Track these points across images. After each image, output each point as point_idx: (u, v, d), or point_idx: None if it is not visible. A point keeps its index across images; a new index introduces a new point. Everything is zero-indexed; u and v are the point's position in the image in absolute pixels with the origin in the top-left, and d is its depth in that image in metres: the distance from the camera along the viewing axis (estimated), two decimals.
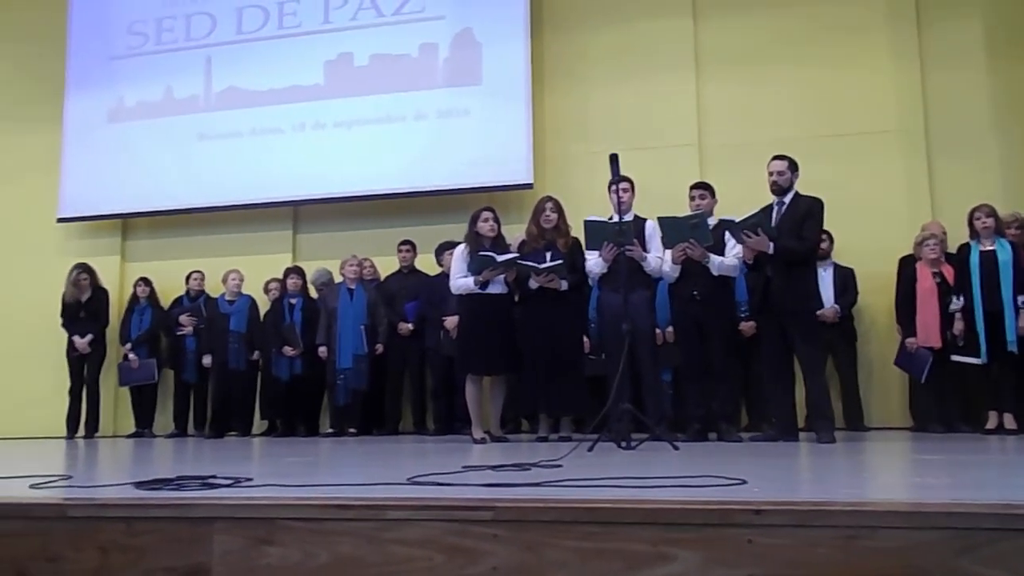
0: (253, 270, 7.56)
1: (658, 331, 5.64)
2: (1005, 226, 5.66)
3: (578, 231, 5.34)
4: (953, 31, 6.91)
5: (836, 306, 6.17)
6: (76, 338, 7.52)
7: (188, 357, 7.42)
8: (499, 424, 5.52)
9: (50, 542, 2.10)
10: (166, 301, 7.81)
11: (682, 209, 5.34)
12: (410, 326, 6.86)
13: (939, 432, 5.67)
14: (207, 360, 7.33)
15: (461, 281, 5.39)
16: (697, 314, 5.11)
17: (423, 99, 7.73)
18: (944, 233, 6.06)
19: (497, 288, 5.35)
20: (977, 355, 5.41)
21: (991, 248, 5.49)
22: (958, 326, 5.53)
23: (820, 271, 5.92)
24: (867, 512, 1.83)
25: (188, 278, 7.67)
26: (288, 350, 6.99)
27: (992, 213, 5.56)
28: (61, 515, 2.14)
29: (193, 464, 4.04)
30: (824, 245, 6.03)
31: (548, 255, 5.34)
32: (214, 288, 7.63)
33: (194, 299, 7.60)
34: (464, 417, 5.85)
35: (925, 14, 6.98)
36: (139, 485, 2.47)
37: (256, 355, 7.29)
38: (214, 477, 2.59)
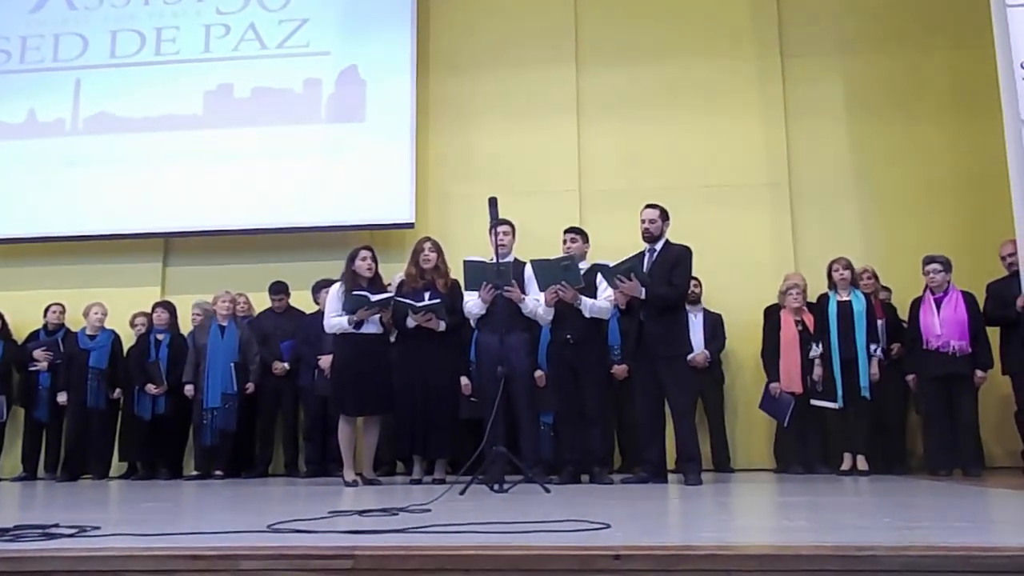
0: (119, 303, 7.17)
1: (539, 374, 5.66)
2: (859, 278, 6.01)
3: (458, 272, 5.34)
4: (815, 91, 7.34)
5: (706, 351, 6.36)
6: None
7: (41, 394, 6.95)
8: (372, 466, 5.41)
9: None
10: (21, 334, 7.30)
11: (561, 253, 5.42)
12: (286, 365, 6.68)
13: (799, 473, 5.92)
14: (62, 398, 6.88)
15: (335, 320, 5.28)
16: (571, 357, 5.16)
17: (305, 134, 7.60)
18: (805, 283, 6.37)
19: (372, 328, 5.26)
20: (834, 399, 5.70)
21: (847, 298, 5.81)
22: (817, 372, 5.80)
23: (691, 316, 6.12)
24: (727, 556, 1.88)
25: (47, 311, 7.21)
26: (151, 388, 6.66)
27: (848, 266, 5.90)
28: None
29: (39, 511, 3.79)
30: (695, 291, 6.24)
31: (427, 295, 5.32)
32: (75, 322, 7.21)
33: (52, 333, 7.16)
34: (338, 459, 5.71)
35: (790, 72, 7.39)
36: None
37: (117, 393, 6.93)
38: (57, 526, 2.43)
